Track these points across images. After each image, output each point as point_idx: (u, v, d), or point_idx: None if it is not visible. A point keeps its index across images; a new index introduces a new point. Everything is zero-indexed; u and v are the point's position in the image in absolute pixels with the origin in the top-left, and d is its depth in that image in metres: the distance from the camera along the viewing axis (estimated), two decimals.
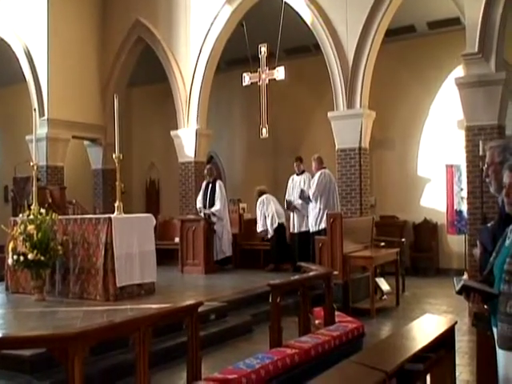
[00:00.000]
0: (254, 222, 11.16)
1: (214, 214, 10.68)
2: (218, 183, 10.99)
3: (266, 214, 10.66)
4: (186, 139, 13.34)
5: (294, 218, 10.42)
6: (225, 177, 15.51)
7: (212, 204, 10.78)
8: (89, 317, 6.55)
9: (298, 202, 10.28)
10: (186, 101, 13.27)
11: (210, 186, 10.99)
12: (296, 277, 6.61)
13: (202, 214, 10.78)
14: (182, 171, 13.50)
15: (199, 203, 11.05)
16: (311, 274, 6.73)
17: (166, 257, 11.51)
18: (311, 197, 9.86)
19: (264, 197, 10.82)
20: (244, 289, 8.58)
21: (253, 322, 7.39)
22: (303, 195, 10.15)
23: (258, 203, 10.79)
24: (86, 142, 14.98)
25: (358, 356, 3.62)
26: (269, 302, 5.51)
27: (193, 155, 13.28)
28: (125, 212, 8.12)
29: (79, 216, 8.77)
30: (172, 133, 13.61)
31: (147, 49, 13.83)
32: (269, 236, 10.63)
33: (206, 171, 11.20)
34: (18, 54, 13.70)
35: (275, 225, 10.56)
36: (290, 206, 10.37)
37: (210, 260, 10.55)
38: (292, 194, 10.48)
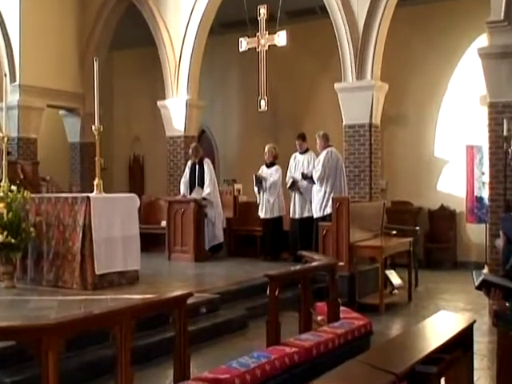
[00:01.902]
0: (252, 205, 11.19)
1: (204, 199, 10.69)
2: (206, 162, 10.98)
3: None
4: (175, 111, 13.30)
5: (296, 201, 10.43)
6: (218, 154, 15.50)
7: (201, 187, 10.78)
8: (64, 307, 6.55)
9: (301, 183, 10.29)
10: (175, 67, 13.21)
11: (197, 166, 10.97)
12: (297, 267, 6.63)
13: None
14: (169, 146, 13.48)
15: (183, 187, 11.04)
16: (314, 264, 6.76)
17: (152, 242, 11.53)
18: (315, 178, 9.85)
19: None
20: (238, 279, 8.61)
21: (248, 317, 7.43)
22: (306, 176, 10.17)
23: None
24: (62, 112, 14.92)
25: (364, 356, 3.64)
26: (266, 295, 5.54)
27: (182, 129, 13.26)
28: (105, 191, 8.10)
29: (54, 194, 8.75)
30: (159, 103, 13.56)
31: (132, 7, 13.72)
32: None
33: (190, 151, 11.16)
34: None
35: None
36: (293, 186, 10.38)
37: (201, 246, 10.57)
38: (295, 174, 10.48)
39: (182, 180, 11.22)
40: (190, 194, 10.86)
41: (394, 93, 11.95)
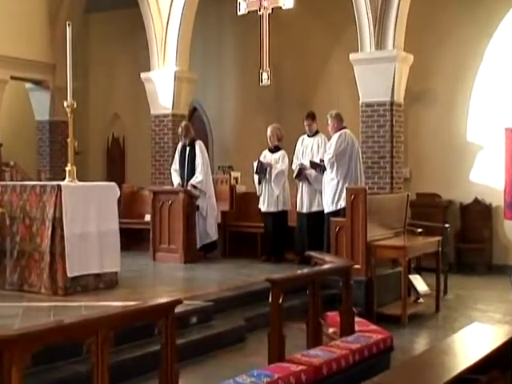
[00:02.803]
0: (252, 196, 11.21)
1: (194, 187, 10.71)
2: (198, 144, 10.97)
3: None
4: (162, 85, 13.29)
5: (304, 193, 10.42)
6: (211, 136, 15.50)
7: (192, 174, 10.80)
8: (30, 315, 6.55)
9: (309, 171, 10.30)
10: (161, 33, 13.18)
11: (188, 149, 10.97)
12: (304, 270, 6.65)
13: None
14: (155, 126, 13.49)
15: (176, 176, 11.04)
16: (324, 267, 6.78)
17: (134, 239, 11.55)
18: (326, 164, 9.84)
19: None
20: (235, 284, 8.62)
21: (246, 328, 7.42)
22: (315, 164, 10.17)
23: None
24: (28, 85, 14.90)
25: (383, 376, 3.64)
26: (267, 303, 5.54)
27: (170, 106, 13.26)
28: (79, 179, 8.10)
29: (19, 183, 8.77)
30: (143, 75, 13.54)
31: None
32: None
33: (180, 130, 11.14)
34: None
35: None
36: (300, 174, 10.38)
37: (192, 245, 10.58)
38: (302, 160, 10.48)
39: (173, 167, 11.22)
40: (186, 184, 10.81)
41: (419, 66, 11.92)
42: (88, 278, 7.85)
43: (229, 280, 9.02)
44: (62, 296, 7.48)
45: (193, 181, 10.72)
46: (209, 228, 10.85)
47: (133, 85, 14.82)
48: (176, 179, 11.05)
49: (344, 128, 10.00)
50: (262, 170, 10.70)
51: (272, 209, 10.73)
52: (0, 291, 7.81)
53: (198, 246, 10.79)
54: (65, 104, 7.98)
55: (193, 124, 12.60)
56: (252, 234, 11.25)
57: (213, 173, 11.82)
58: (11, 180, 11.25)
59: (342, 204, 9.50)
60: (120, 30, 16.10)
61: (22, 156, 14.23)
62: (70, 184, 7.86)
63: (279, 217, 10.76)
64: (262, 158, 10.84)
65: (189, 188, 10.65)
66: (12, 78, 13.86)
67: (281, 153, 10.83)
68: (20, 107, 15.21)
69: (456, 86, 12.97)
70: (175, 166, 11.13)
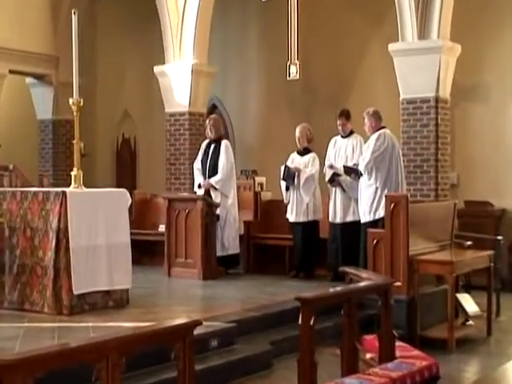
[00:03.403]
0: (278, 204, 11.20)
1: (214, 188, 10.77)
2: (224, 144, 11.05)
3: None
4: (177, 79, 13.32)
5: (337, 200, 10.39)
6: (233, 137, 15.50)
7: (213, 175, 10.87)
8: (32, 337, 6.58)
9: (343, 178, 10.27)
10: (177, 22, 13.20)
11: (213, 147, 11.04)
12: (338, 288, 6.62)
13: (199, 191, 10.90)
14: (170, 126, 13.53)
15: (198, 176, 11.09)
16: (361, 284, 6.79)
17: (146, 253, 11.62)
18: (362, 168, 9.81)
19: None
20: (260, 303, 8.62)
21: (273, 353, 7.41)
22: (349, 170, 10.15)
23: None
24: (28, 80, 15.00)
25: None
26: (297, 325, 5.54)
27: (187, 103, 13.29)
28: (86, 185, 8.13)
29: (19, 189, 8.79)
30: (156, 69, 13.58)
31: None
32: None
33: (207, 122, 11.21)
34: None
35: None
36: (333, 180, 10.36)
37: (211, 259, 10.60)
38: (335, 164, 10.45)
39: (195, 165, 11.29)
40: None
41: (468, 57, 11.86)
42: (96, 295, 7.87)
43: (253, 299, 9.00)
44: (67, 316, 7.50)
45: (212, 179, 10.78)
46: (226, 239, 10.88)
47: (145, 80, 14.88)
48: (199, 178, 11.09)
49: (383, 128, 9.97)
50: (290, 175, 10.70)
51: (301, 219, 10.71)
52: None
53: (219, 259, 10.80)
54: (70, 101, 8.02)
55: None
56: (279, 247, 11.23)
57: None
58: (10, 186, 11.31)
59: (381, 213, 9.47)
60: (130, 19, 16.17)
61: (22, 159, 14.29)
62: (76, 190, 7.90)
63: (309, 227, 10.74)
64: (289, 163, 10.84)
65: (206, 185, 10.72)
66: (11, 71, 13.97)
67: (311, 156, 10.82)
68: (20, 105, 15.32)
69: (511, 80, 12.88)
70: (197, 164, 11.17)
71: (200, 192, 10.95)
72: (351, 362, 5.94)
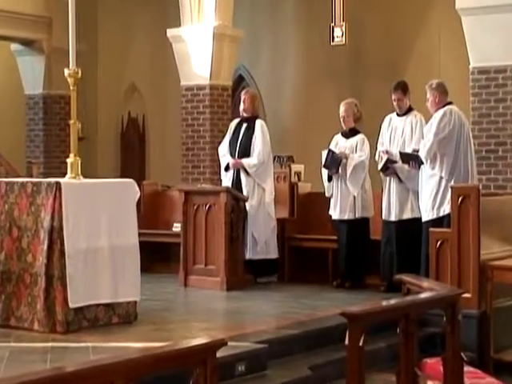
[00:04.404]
0: (320, 198, 11.18)
1: (246, 173, 10.85)
2: (260, 124, 11.13)
3: None
4: (196, 45, 13.35)
5: (392, 193, 10.39)
6: (264, 115, 15.48)
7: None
8: (19, 359, 6.59)
9: (399, 166, 10.27)
10: None
11: (245, 126, 11.10)
12: (393, 301, 6.63)
13: (225, 179, 11.00)
14: (186, 103, 13.57)
15: (226, 156, 11.13)
16: (421, 296, 6.77)
17: (158, 257, 11.68)
18: (423, 155, 9.77)
19: None
20: (297, 320, 8.60)
21: (313, 380, 7.41)
22: (407, 157, 10.11)
23: None
24: (14, 47, 15.05)
25: None
26: (343, 346, 5.54)
27: (207, 74, 13.34)
28: (85, 174, 8.17)
29: (3, 179, 8.78)
30: (170, 33, 13.63)
31: None
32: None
33: (243, 95, 11.28)
34: None
35: None
36: (388, 168, 10.33)
37: (238, 266, 10.64)
38: (389, 148, 10.46)
39: (220, 148, 11.34)
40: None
41: None
42: (97, 309, 7.89)
43: (288, 314, 9.00)
44: (61, 334, 7.51)
45: (245, 160, 10.85)
46: (261, 242, 10.92)
47: (156, 46, 14.93)
48: (226, 158, 11.14)
49: (449, 104, 9.94)
50: (334, 162, 10.67)
51: (347, 216, 10.72)
52: None
53: (247, 264, 10.86)
54: (65, 72, 8.04)
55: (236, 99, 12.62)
56: (320, 250, 11.25)
57: None
58: None
59: (446, 209, 9.46)
60: None
61: (7, 143, 14.38)
62: (73, 181, 7.94)
63: (357, 227, 10.77)
64: (333, 147, 10.80)
65: (235, 165, 10.83)
66: None
67: (359, 138, 10.81)
68: (4, 77, 15.38)
69: None
70: (223, 148, 11.23)
71: (227, 177, 11.01)
72: None
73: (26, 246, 7.80)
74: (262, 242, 10.92)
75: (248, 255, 10.85)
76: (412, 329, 5.94)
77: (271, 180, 11.12)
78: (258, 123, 11.09)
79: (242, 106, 11.20)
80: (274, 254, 11.04)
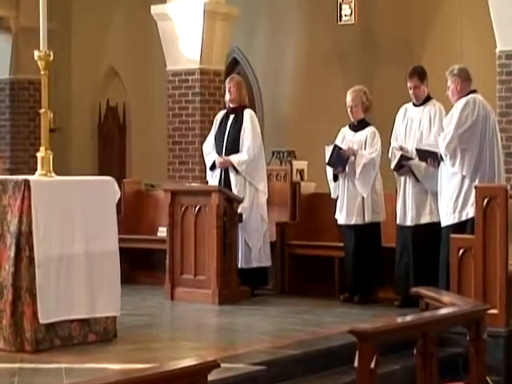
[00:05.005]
0: (325, 200, 11.23)
1: (235, 171, 10.89)
2: (249, 114, 11.18)
3: None
4: (184, 24, 13.40)
5: (407, 195, 10.41)
6: (261, 104, 15.53)
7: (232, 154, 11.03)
8: None
9: (416, 163, 10.25)
10: None
11: (232, 118, 11.14)
12: (409, 318, 6.70)
13: (212, 179, 11.00)
14: (173, 89, 13.64)
15: (211, 154, 11.15)
16: (441, 312, 6.81)
17: (141, 266, 11.77)
18: (443, 150, 9.76)
19: None
20: (299, 338, 8.63)
21: None
22: (424, 154, 10.10)
23: None
24: None
25: None
26: (351, 368, 5.64)
27: (197, 57, 13.38)
28: (57, 171, 8.19)
29: None
30: (154, 10, 13.66)
31: None
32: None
33: (227, 83, 11.30)
34: None
35: None
36: (402, 165, 10.31)
37: (231, 276, 10.66)
38: (405, 143, 10.46)
39: (205, 145, 11.44)
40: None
41: None
42: (71, 326, 7.91)
43: (289, 331, 9.05)
44: (30, 353, 7.52)
45: (233, 157, 10.85)
46: (255, 248, 10.97)
47: (138, 25, 14.95)
48: (211, 156, 11.19)
49: (472, 92, 9.95)
50: (340, 160, 10.66)
51: (354, 220, 10.75)
52: None
53: (240, 274, 10.88)
54: (35, 54, 8.04)
55: None
56: (325, 259, 11.28)
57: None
58: None
59: (470, 213, 9.51)
60: None
61: None
62: (44, 179, 7.96)
63: (366, 232, 10.81)
64: (339, 141, 10.78)
65: (223, 163, 10.87)
66: None
67: (369, 131, 10.84)
68: None
69: None
70: (208, 144, 11.30)
71: (214, 177, 11.06)
72: None
73: None
74: (256, 248, 10.95)
75: (240, 264, 10.86)
76: (431, 349, 6.01)
77: (264, 178, 11.17)
78: (247, 113, 11.15)
79: (227, 96, 11.29)
80: (267, 261, 11.09)
